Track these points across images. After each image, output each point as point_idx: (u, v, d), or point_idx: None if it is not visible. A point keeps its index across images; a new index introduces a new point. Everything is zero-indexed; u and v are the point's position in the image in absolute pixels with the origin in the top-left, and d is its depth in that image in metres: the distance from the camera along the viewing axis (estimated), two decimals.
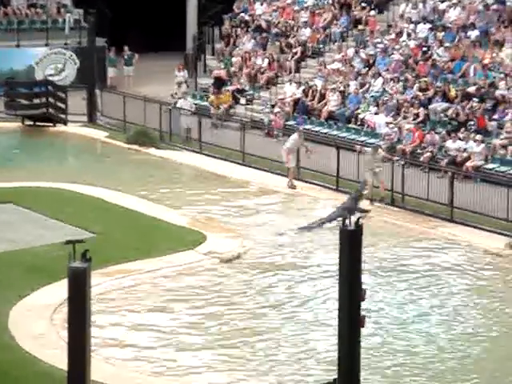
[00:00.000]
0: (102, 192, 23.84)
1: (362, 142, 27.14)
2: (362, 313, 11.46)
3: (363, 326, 11.53)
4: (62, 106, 31.50)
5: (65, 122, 31.36)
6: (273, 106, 30.34)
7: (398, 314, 17.26)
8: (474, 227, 21.57)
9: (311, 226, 21.64)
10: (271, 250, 20.50)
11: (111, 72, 35.60)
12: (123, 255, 19.44)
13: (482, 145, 24.92)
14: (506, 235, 20.84)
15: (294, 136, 25.24)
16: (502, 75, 27.09)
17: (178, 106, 29.93)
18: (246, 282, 18.71)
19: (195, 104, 31.29)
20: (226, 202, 23.82)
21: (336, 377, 11.41)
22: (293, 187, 24.69)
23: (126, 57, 35.74)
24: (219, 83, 32.53)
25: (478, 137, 25.08)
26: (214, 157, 27.59)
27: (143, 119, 29.73)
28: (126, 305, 17.46)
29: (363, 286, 11.57)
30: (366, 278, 11.74)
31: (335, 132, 28.50)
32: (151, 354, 15.59)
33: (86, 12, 35.17)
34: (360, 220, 11.92)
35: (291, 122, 29.66)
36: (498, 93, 26.72)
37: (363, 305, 11.42)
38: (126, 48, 35.57)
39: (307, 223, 21.73)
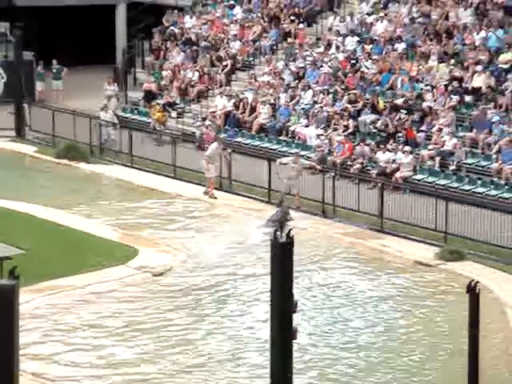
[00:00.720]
0: (31, 207, 23.53)
1: (293, 154, 27.23)
2: (294, 325, 11.47)
3: (295, 338, 11.54)
4: None
5: None
6: (204, 119, 30.32)
7: (326, 329, 17.33)
8: (404, 237, 21.82)
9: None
10: (204, 263, 20.44)
11: (40, 86, 35.19)
12: (53, 271, 19.19)
13: (411, 156, 25.25)
14: (434, 245, 21.11)
15: (214, 145, 25.39)
16: (429, 87, 27.51)
17: (101, 118, 29.77)
18: (178, 296, 18.61)
19: (125, 118, 31.10)
20: (158, 215, 23.71)
21: None
22: (213, 197, 24.76)
23: (54, 70, 35.38)
24: (149, 96, 32.40)
25: (407, 148, 25.42)
26: (145, 170, 27.45)
27: (73, 133, 29.45)
28: (55, 321, 17.21)
29: (295, 298, 11.59)
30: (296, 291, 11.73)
31: (266, 144, 28.60)
32: (82, 371, 15.39)
33: (13, 25, 34.71)
34: (291, 232, 11.95)
35: (222, 135, 29.67)
36: (425, 104, 27.12)
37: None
38: (54, 62, 35.22)
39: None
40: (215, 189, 25.07)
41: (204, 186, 25.43)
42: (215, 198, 24.86)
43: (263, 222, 22.28)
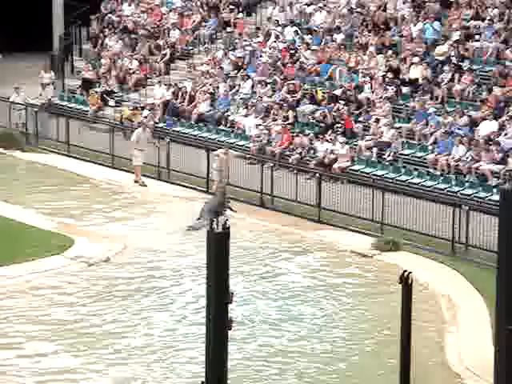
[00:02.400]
0: None
1: (232, 143, 27.25)
2: (230, 315, 11.46)
3: (231, 329, 11.53)
4: None
5: None
6: (142, 108, 30.09)
7: (265, 317, 17.37)
8: (341, 228, 21.95)
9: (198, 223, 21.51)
10: (142, 252, 20.33)
11: None
12: None
13: (347, 146, 25.40)
14: (371, 235, 21.28)
15: (139, 130, 25.31)
16: (367, 78, 27.68)
17: (10, 100, 29.39)
18: (114, 286, 18.47)
19: (62, 106, 30.76)
20: (95, 205, 23.50)
21: (204, 380, 11.38)
22: (143, 185, 24.71)
23: None
24: (87, 85, 32.06)
25: (343, 139, 25.55)
26: (83, 159, 27.17)
27: (8, 121, 28.99)
28: None
29: (231, 289, 11.57)
30: (233, 282, 11.70)
31: (205, 134, 28.51)
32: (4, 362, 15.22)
33: None
34: (227, 222, 11.92)
35: (161, 124, 29.51)
36: (363, 95, 27.30)
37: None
38: None
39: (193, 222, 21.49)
40: (144, 176, 24.95)
41: (143, 176, 25.30)
42: (145, 185, 24.79)
43: (200, 211, 22.21)
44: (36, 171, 26.57)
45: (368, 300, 18.20)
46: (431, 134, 25.18)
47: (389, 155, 25.07)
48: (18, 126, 28.91)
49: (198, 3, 34.19)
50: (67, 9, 36.80)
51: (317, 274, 19.52)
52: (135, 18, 34.59)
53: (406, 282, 10.58)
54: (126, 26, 34.27)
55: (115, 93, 31.67)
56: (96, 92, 31.30)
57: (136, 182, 25.07)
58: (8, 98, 29.85)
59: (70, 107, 31.34)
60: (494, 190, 22.23)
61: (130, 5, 35.47)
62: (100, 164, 26.80)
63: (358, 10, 30.51)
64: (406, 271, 10.75)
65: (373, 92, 27.29)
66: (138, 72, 32.08)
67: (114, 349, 15.80)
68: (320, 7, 31.50)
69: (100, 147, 27.12)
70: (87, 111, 30.75)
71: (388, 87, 27.05)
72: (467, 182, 23.32)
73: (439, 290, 18.46)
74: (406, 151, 25.22)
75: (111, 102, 31.11)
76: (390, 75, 27.41)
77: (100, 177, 25.86)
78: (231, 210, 22.03)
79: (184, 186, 24.97)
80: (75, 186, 25.02)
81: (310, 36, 30.50)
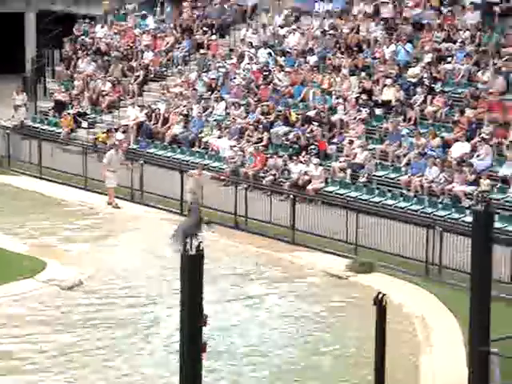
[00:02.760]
0: None
1: (206, 165, 27.21)
2: (204, 338, 11.39)
3: (205, 352, 11.46)
4: None
5: None
6: (116, 130, 30.01)
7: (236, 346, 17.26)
8: (316, 249, 21.92)
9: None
10: (112, 276, 20.18)
11: None
12: None
13: (321, 168, 25.44)
14: (345, 257, 21.27)
15: (111, 151, 25.34)
16: (340, 100, 27.78)
17: None
18: (86, 311, 18.30)
19: (35, 128, 30.65)
20: (67, 227, 23.35)
21: None
22: (116, 207, 24.72)
23: None
24: (60, 106, 31.94)
25: (317, 160, 25.59)
26: (55, 181, 27.02)
27: None
28: None
29: (205, 312, 11.50)
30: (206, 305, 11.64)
31: (179, 156, 28.45)
32: None
33: None
34: (201, 244, 11.86)
35: (135, 146, 29.43)
36: (336, 117, 27.38)
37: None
38: None
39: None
40: (117, 198, 24.86)
41: (116, 198, 25.19)
42: (119, 207, 24.71)
43: (173, 233, 22.12)
44: (8, 193, 26.37)
45: (342, 322, 18.14)
46: (404, 155, 25.27)
47: (362, 177, 25.13)
48: None
49: (172, 25, 34.23)
50: (40, 31, 36.78)
51: (290, 295, 19.44)
52: (108, 40, 34.57)
53: (380, 303, 10.57)
54: (99, 47, 34.23)
55: (88, 115, 31.59)
56: (69, 114, 31.19)
57: (109, 203, 24.98)
58: None
59: (43, 129, 31.20)
60: (467, 212, 22.31)
61: (102, 27, 35.45)
62: (73, 186, 26.65)
63: (331, 32, 30.66)
64: (380, 293, 10.74)
65: (346, 114, 27.38)
66: (111, 94, 32.02)
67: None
68: (293, 29, 31.62)
69: (73, 169, 26.98)
70: (60, 133, 30.62)
71: (361, 109, 27.16)
72: (440, 203, 23.40)
73: (413, 311, 18.46)
74: (380, 172, 25.29)
75: (84, 124, 31.01)
76: (363, 97, 27.52)
77: (73, 199, 25.71)
78: (210, 225, 21.93)
79: (158, 208, 24.88)
80: (47, 208, 24.86)
81: (283, 58, 30.60)
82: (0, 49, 37.26)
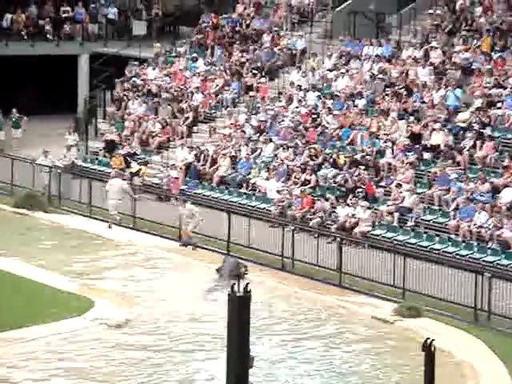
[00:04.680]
0: None
1: (254, 206, 27.31)
2: (250, 380, 11.40)
3: None
4: None
5: None
6: (171, 168, 30.21)
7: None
8: (362, 293, 21.82)
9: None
10: (161, 316, 20.25)
11: None
12: (6, 322, 18.86)
13: (369, 211, 25.39)
14: (392, 301, 21.12)
15: (116, 179, 27.05)
16: (389, 143, 27.79)
17: (37, 162, 29.70)
18: (134, 351, 18.36)
19: (85, 168, 31.06)
20: (116, 266, 23.51)
21: None
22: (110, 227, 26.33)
23: (13, 119, 35.22)
24: (110, 147, 32.36)
25: (364, 203, 25.57)
26: (105, 221, 27.28)
27: (32, 183, 29.24)
28: (5, 374, 16.88)
29: (251, 354, 11.54)
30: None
31: (226, 197, 28.61)
32: None
33: None
34: (248, 286, 11.92)
35: (183, 187, 29.65)
36: (384, 160, 27.37)
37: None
38: (13, 110, 35.06)
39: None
40: (165, 237, 25.16)
41: (162, 237, 25.34)
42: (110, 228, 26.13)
43: (219, 275, 22.21)
44: (58, 232, 26.65)
45: (389, 367, 17.99)
46: (453, 200, 25.14)
47: (410, 220, 25.03)
48: (44, 188, 29.11)
49: (221, 68, 34.61)
50: (92, 73, 37.40)
51: (336, 339, 19.34)
52: (159, 82, 35.03)
53: (428, 349, 10.49)
54: (150, 89, 34.69)
55: (138, 155, 31.93)
56: (119, 154, 31.56)
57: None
58: (33, 160, 30.13)
59: (93, 169, 31.59)
60: None
61: (154, 69, 35.94)
62: (123, 226, 26.86)
63: (380, 76, 30.76)
64: (428, 338, 10.67)
65: (394, 157, 27.36)
66: (160, 135, 32.37)
67: None
68: (342, 73, 31.79)
69: (122, 209, 27.22)
70: (109, 173, 30.93)
71: (409, 153, 27.12)
72: (489, 248, 23.19)
73: (461, 357, 18.25)
74: (428, 217, 25.17)
75: (133, 165, 31.34)
76: (411, 141, 27.49)
77: (121, 238, 25.91)
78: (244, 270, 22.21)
79: (205, 249, 24.96)
80: (96, 247, 25.07)
81: (331, 101, 30.74)
82: (54, 90, 37.98)
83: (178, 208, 25.53)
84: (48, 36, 39.38)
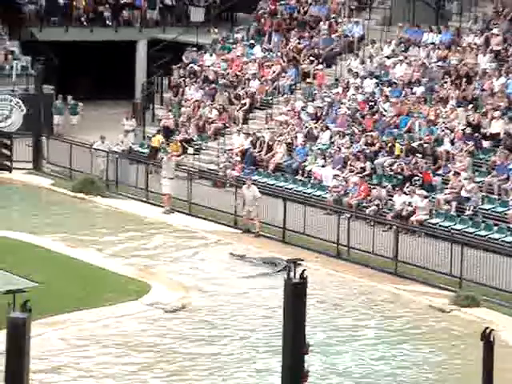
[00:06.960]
0: (46, 241, 23.53)
1: (309, 194, 27.24)
2: (306, 367, 11.39)
3: (306, 381, 11.45)
4: (8, 152, 31.18)
5: (10, 169, 31.03)
6: (230, 156, 30.30)
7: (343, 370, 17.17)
8: (418, 281, 21.66)
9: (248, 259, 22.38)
10: (217, 301, 20.34)
11: (58, 119, 35.37)
12: (65, 305, 19.15)
13: (426, 200, 25.16)
14: (449, 290, 20.95)
15: (164, 159, 27.78)
16: (447, 131, 27.48)
17: (94, 147, 29.97)
18: (189, 334, 18.49)
19: (142, 153, 31.29)
20: (172, 251, 23.66)
21: None
22: (168, 212, 26.52)
23: (69, 106, 35.58)
24: (167, 132, 32.52)
25: (421, 192, 25.34)
26: (161, 206, 27.45)
27: (89, 167, 29.54)
28: (65, 356, 17.12)
29: (307, 340, 11.52)
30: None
31: (282, 184, 28.57)
32: None
33: (34, 59, 35.00)
34: (304, 272, 11.91)
35: (239, 173, 29.67)
36: (442, 148, 27.09)
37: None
38: (69, 97, 35.40)
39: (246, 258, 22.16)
40: (223, 224, 25.16)
41: (218, 223, 25.43)
42: (171, 212, 26.34)
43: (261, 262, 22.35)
44: (115, 217, 26.91)
45: (446, 356, 17.85)
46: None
47: (468, 209, 24.75)
48: (101, 172, 29.43)
49: (279, 54, 34.52)
50: (150, 59, 37.60)
51: (393, 328, 19.25)
52: (216, 68, 35.07)
53: (487, 339, 10.38)
54: (207, 75, 34.75)
55: (194, 141, 32.05)
56: (176, 140, 31.69)
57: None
58: (91, 145, 30.44)
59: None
60: None
61: (211, 55, 36.00)
62: (178, 211, 27.00)
63: (439, 63, 30.41)
64: (487, 328, 10.55)
65: (452, 145, 27.06)
66: (217, 121, 32.44)
67: None
68: (400, 60, 31.49)
69: (178, 194, 27.36)
70: (162, 159, 31.01)
71: (468, 141, 26.80)
72: None
73: None
74: (486, 206, 24.86)
75: (190, 150, 31.46)
76: (470, 129, 27.17)
77: (177, 223, 26.05)
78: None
79: (263, 236, 24.96)
80: (152, 231, 25.25)
81: (389, 88, 30.48)
82: (112, 75, 38.26)
83: (241, 190, 25.42)
84: (107, 22, 39.64)
